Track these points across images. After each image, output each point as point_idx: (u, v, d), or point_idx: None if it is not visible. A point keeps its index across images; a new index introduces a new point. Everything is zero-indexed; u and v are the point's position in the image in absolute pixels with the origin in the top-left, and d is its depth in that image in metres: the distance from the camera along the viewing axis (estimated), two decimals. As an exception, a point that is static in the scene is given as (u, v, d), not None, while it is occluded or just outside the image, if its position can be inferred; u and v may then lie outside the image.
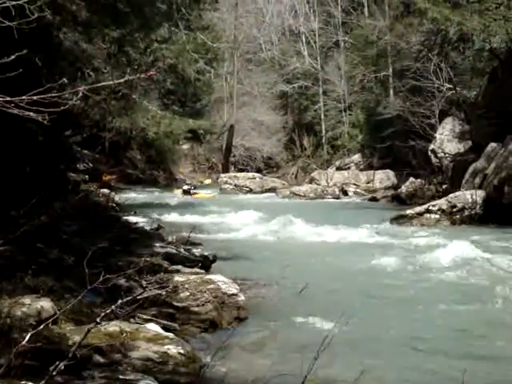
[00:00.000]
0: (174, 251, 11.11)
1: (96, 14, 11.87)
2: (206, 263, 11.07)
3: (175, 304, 8.16)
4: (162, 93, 40.07)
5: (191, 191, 35.92)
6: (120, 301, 4.93)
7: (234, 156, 51.16)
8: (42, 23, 8.72)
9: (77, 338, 5.33)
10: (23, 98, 3.65)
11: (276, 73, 53.91)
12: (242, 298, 8.84)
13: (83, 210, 11.78)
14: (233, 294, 8.71)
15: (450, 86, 33.07)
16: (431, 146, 31.31)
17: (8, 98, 3.63)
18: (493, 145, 23.62)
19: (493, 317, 9.27)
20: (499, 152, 22.67)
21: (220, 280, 8.89)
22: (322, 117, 49.07)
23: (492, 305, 9.86)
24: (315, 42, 50.91)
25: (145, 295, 7.17)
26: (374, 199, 33.62)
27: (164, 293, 7.79)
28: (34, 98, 3.64)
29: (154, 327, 6.70)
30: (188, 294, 8.36)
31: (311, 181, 40.10)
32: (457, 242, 14.81)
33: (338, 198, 35.60)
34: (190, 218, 22.05)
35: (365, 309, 9.64)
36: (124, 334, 6.18)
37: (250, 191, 39.34)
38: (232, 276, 10.08)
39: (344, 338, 6.87)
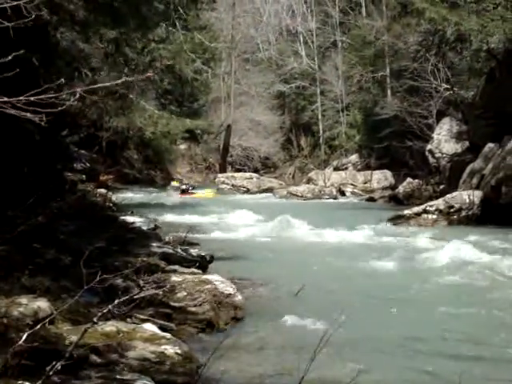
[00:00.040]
0: (171, 251, 11.09)
1: (93, 13, 11.85)
2: (203, 263, 11.05)
3: (172, 304, 8.16)
4: (160, 93, 39.98)
5: (189, 191, 35.96)
6: (117, 301, 4.94)
7: (232, 156, 51.17)
8: (40, 23, 8.71)
9: (73, 338, 5.32)
10: (20, 98, 3.64)
11: (273, 73, 53.92)
12: (239, 298, 8.84)
13: (80, 209, 11.76)
14: (230, 294, 8.71)
15: (448, 87, 33.11)
16: (429, 147, 31.36)
17: (5, 99, 3.63)
18: (490, 145, 23.65)
19: (490, 317, 9.27)
20: (496, 152, 22.71)
21: (217, 280, 8.89)
22: (320, 117, 49.08)
23: (490, 306, 9.86)
24: (313, 42, 50.91)
25: (142, 295, 7.17)
26: (371, 199, 33.66)
27: (161, 293, 7.78)
28: (32, 98, 3.64)
29: (150, 327, 6.69)
30: (185, 294, 8.35)
31: (308, 181, 40.12)
32: (454, 243, 14.82)
33: (335, 199, 35.64)
34: (186, 218, 22.04)
35: (362, 309, 9.64)
36: (121, 334, 6.18)
37: (248, 191, 39.36)
38: (229, 276, 10.10)
39: (341, 338, 6.87)
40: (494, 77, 27.21)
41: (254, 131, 52.10)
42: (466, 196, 21.42)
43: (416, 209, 21.77)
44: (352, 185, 38.40)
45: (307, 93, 51.34)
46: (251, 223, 20.97)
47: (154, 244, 11.53)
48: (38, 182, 10.02)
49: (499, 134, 23.06)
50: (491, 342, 7.96)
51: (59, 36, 12.60)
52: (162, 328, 7.05)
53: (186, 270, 9.78)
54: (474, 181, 23.30)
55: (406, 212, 21.57)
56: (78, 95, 3.91)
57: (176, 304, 8.18)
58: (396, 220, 21.12)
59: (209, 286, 8.59)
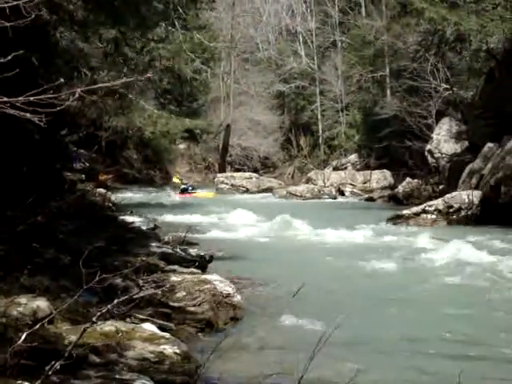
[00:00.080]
0: (170, 251, 11.09)
1: (93, 13, 11.85)
2: (202, 263, 11.05)
3: (171, 304, 8.15)
4: (159, 92, 39.97)
5: (189, 190, 35.95)
6: (116, 300, 4.95)
7: (231, 156, 51.16)
8: (39, 22, 8.71)
9: (73, 338, 5.32)
10: (20, 98, 3.64)
11: (273, 72, 53.90)
12: (238, 297, 8.84)
13: (79, 209, 11.75)
14: (229, 294, 8.71)
15: (447, 87, 33.13)
16: (428, 147, 31.40)
17: (5, 99, 3.63)
18: (490, 145, 23.66)
19: (490, 317, 9.28)
20: (496, 152, 22.72)
21: (216, 280, 8.89)
22: (319, 117, 49.07)
23: (489, 305, 9.88)
24: (312, 42, 50.90)
25: (141, 295, 7.18)
26: (370, 199, 33.68)
27: (160, 292, 7.79)
28: (31, 98, 3.64)
29: (149, 327, 6.69)
30: (184, 293, 8.35)
31: (308, 181, 40.10)
32: (453, 243, 14.84)
33: (334, 198, 35.65)
34: (186, 218, 22.04)
35: (361, 309, 9.64)
36: (120, 334, 6.18)
37: (247, 191, 39.35)
38: (228, 276, 10.10)
39: (340, 338, 6.86)
40: (493, 77, 27.23)
41: (254, 131, 52.09)
42: (465, 196, 21.44)
43: (415, 209, 21.78)
44: (351, 185, 38.40)
45: (307, 93, 51.34)
46: (250, 223, 20.97)
47: (154, 244, 11.53)
48: (37, 182, 10.02)
49: (498, 133, 23.07)
50: (491, 342, 7.96)
51: (58, 36, 12.59)
52: (161, 328, 7.05)
53: (185, 270, 9.78)
54: (474, 181, 23.32)
55: (406, 212, 21.58)
56: (77, 95, 3.91)
57: (175, 304, 8.18)
58: (395, 220, 21.13)
59: (208, 286, 8.59)
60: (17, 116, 3.68)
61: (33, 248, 8.32)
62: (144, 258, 9.62)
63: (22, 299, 6.15)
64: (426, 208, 21.48)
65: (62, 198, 11.20)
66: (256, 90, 53.11)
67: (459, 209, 21.21)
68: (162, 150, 45.61)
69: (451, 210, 21.20)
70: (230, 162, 51.00)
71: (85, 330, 4.63)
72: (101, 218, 12.71)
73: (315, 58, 50.27)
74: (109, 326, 6.20)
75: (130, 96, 22.72)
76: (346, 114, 48.07)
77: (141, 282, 7.65)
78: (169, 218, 22.00)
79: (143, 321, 7.22)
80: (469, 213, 21.09)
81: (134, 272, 7.63)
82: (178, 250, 11.40)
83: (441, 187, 28.05)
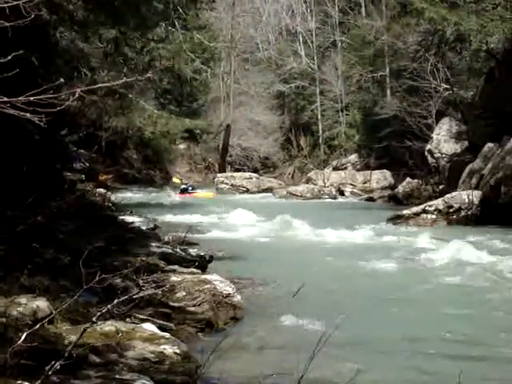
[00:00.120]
0: (170, 251, 11.09)
1: (93, 12, 11.85)
2: (202, 263, 11.05)
3: (171, 304, 8.15)
4: (159, 92, 39.97)
5: (189, 190, 35.95)
6: (116, 300, 4.95)
7: (231, 156, 51.14)
8: (39, 22, 8.70)
9: (73, 338, 5.32)
10: (20, 98, 3.64)
11: (273, 72, 53.89)
12: (238, 297, 8.84)
13: (79, 209, 11.74)
14: (229, 294, 8.71)
15: (447, 87, 33.12)
16: (428, 147, 31.39)
17: (5, 99, 3.63)
18: (490, 145, 23.66)
19: (490, 317, 9.28)
20: (496, 152, 22.71)
21: (216, 280, 8.89)
22: (319, 117, 49.05)
23: (489, 305, 9.88)
24: (312, 42, 50.89)
25: (141, 295, 7.18)
26: (370, 199, 33.68)
27: (160, 292, 7.79)
28: (31, 98, 3.63)
29: (150, 327, 6.69)
30: (184, 293, 8.35)
31: (308, 181, 40.10)
32: (453, 243, 14.84)
33: (334, 198, 35.64)
34: (186, 218, 22.04)
35: (361, 309, 9.64)
36: (120, 334, 6.17)
37: (247, 191, 39.35)
38: (228, 276, 10.10)
39: (340, 338, 6.87)
40: (493, 77, 27.23)
41: (254, 131, 52.07)
42: (465, 196, 21.43)
43: (415, 209, 21.78)
44: (351, 185, 38.41)
45: (307, 93, 51.32)
46: (250, 223, 20.97)
47: (154, 244, 11.52)
48: (37, 182, 10.01)
49: (498, 133, 23.07)
50: (491, 342, 7.97)
51: (58, 36, 12.58)
52: (161, 328, 7.05)
53: (185, 270, 9.78)
54: (474, 181, 23.32)
55: (406, 212, 21.58)
56: (77, 95, 3.90)
57: (175, 304, 8.18)
58: (395, 220, 21.13)
59: (208, 286, 8.59)
60: (17, 116, 3.68)
61: (33, 248, 8.32)
62: (144, 258, 9.61)
63: (22, 299, 6.15)
64: (426, 208, 21.48)
65: (62, 198, 11.19)
66: (256, 90, 53.09)
67: (459, 209, 21.21)
68: (162, 150, 45.58)
69: (451, 210, 21.20)
70: (230, 162, 50.98)
71: (85, 329, 4.63)
72: (101, 217, 12.70)
73: (315, 58, 50.26)
74: (109, 326, 6.20)
75: (130, 96, 22.72)
76: (346, 114, 48.06)
77: (141, 282, 7.65)
78: (169, 217, 22.00)
79: (143, 321, 7.22)
80: (469, 213, 21.09)
81: (133, 272, 7.62)
82: (178, 250, 11.40)
83: (441, 187, 28.05)
